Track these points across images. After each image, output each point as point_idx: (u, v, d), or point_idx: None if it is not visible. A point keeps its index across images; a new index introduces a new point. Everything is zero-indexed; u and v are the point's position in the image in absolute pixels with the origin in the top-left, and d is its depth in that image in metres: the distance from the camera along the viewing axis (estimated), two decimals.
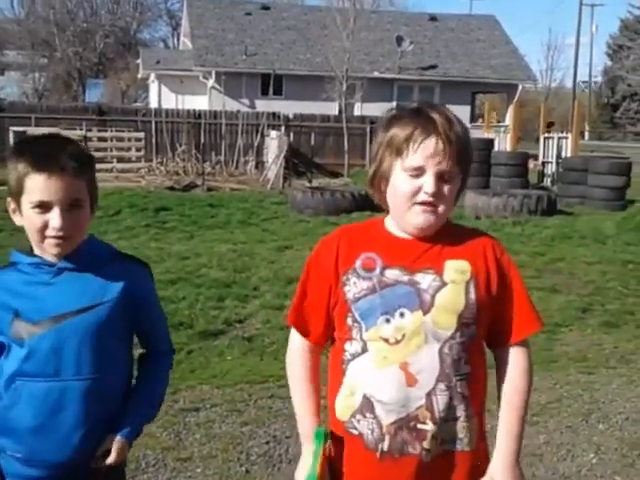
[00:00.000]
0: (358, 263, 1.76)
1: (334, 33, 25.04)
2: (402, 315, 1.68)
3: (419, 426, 1.70)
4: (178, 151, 20.26)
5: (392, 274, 1.74)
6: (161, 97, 28.04)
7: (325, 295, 1.80)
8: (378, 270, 1.73)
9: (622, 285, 7.71)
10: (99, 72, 44.94)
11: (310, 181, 18.15)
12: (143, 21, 50.62)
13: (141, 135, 17.94)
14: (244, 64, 27.27)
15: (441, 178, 1.70)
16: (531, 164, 17.12)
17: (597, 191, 13.82)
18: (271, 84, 27.12)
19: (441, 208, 1.73)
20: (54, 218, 1.74)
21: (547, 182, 17.52)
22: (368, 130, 21.11)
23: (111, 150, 17.45)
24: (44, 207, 1.74)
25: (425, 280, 1.72)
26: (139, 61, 31.27)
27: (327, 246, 1.83)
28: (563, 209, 13.14)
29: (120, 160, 17.26)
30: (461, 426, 1.73)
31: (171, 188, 16.32)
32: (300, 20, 30.27)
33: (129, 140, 17.95)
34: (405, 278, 1.73)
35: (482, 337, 1.79)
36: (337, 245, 1.80)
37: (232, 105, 24.56)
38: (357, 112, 25.38)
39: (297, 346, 1.89)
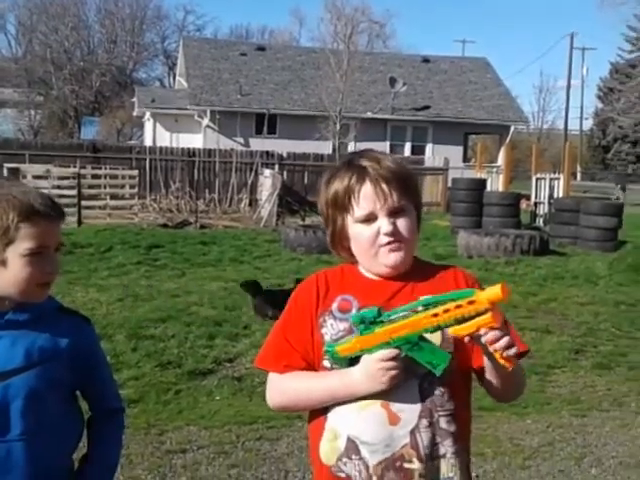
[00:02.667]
0: (334, 305, 1.77)
1: (328, 74, 25.36)
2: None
3: (405, 465, 1.67)
4: (172, 189, 20.30)
5: None
6: (156, 135, 28.18)
7: (307, 336, 1.78)
8: (354, 311, 1.74)
9: (614, 326, 7.68)
10: (95, 110, 45.20)
11: (303, 219, 18.19)
12: (139, 60, 51.20)
13: (135, 173, 17.95)
14: (239, 103, 27.51)
15: (394, 215, 1.74)
16: (523, 204, 17.20)
17: (589, 231, 13.85)
18: (265, 123, 27.32)
19: (406, 242, 1.76)
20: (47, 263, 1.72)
21: (539, 222, 17.57)
22: None
23: (105, 187, 17.46)
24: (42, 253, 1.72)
25: None
26: (134, 99, 31.50)
27: (307, 289, 1.83)
28: (555, 249, 13.15)
29: (113, 197, 17.26)
30: (449, 463, 1.70)
31: (164, 225, 16.31)
32: (295, 61, 30.63)
33: (123, 177, 17.95)
34: None
35: (464, 371, 1.78)
36: (317, 287, 1.82)
37: (226, 143, 24.69)
38: (351, 150, 25.53)
39: (277, 375, 1.82)
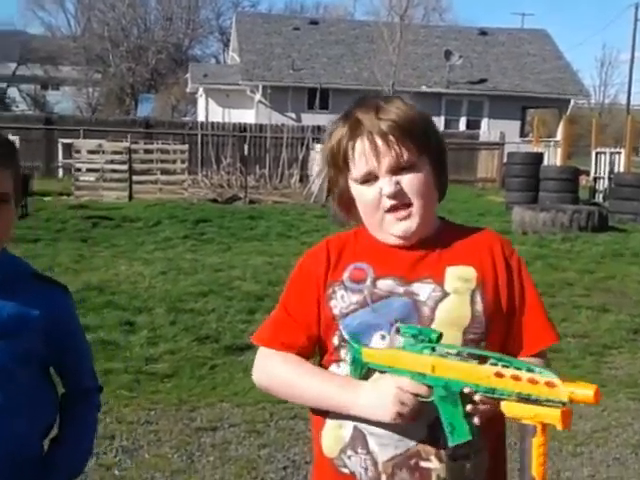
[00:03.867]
0: (346, 274, 1.51)
1: (381, 48, 24.92)
2: (398, 331, 1.40)
3: (422, 464, 1.41)
4: (223, 164, 20.27)
5: (385, 285, 1.48)
6: (208, 111, 28.20)
7: (312, 309, 1.53)
8: (369, 281, 1.48)
9: None
10: (151, 87, 45.52)
11: None
12: (195, 37, 51.25)
13: (185, 147, 17.95)
14: (291, 78, 27.27)
15: (398, 172, 1.46)
16: (582, 180, 16.59)
17: None
18: (317, 98, 27.04)
19: (416, 205, 1.47)
20: None
21: (599, 198, 16.95)
22: None
23: (156, 162, 17.49)
24: None
25: (423, 291, 1.46)
26: (188, 75, 31.57)
27: (315, 255, 1.58)
28: (615, 225, 12.61)
29: (164, 172, 17.28)
30: (476, 465, 1.44)
31: (214, 200, 16.29)
32: (348, 35, 30.17)
33: (174, 152, 17.97)
34: (400, 289, 1.47)
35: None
36: (327, 254, 1.56)
37: (278, 119, 24.53)
38: None
39: (270, 353, 1.56)
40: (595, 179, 17.54)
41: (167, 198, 15.95)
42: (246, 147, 20.24)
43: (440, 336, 1.34)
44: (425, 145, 1.49)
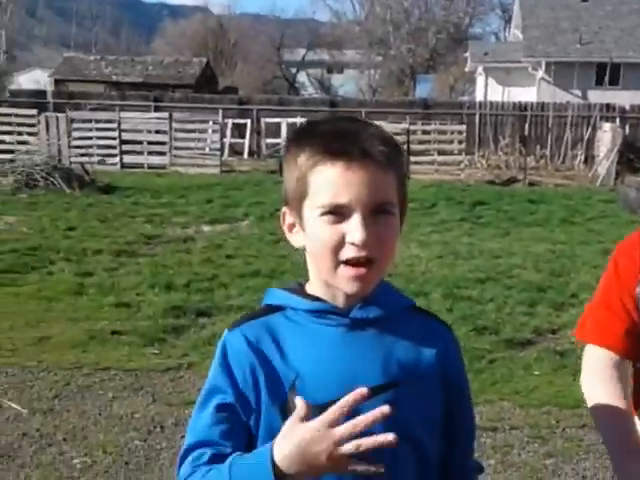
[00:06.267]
0: None
1: None
2: None
3: None
4: (501, 144, 19.66)
5: None
6: (487, 90, 27.57)
7: (630, 306, 1.42)
8: None
9: None
10: (429, 68, 45.71)
11: None
12: (475, 15, 50.43)
13: (463, 128, 17.70)
14: (577, 53, 25.64)
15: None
16: None
17: None
18: (607, 73, 25.13)
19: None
20: (354, 229, 1.10)
21: None
22: None
23: (433, 143, 17.47)
24: (339, 214, 1.11)
25: None
26: (467, 54, 31.12)
27: (627, 250, 1.50)
28: None
29: (441, 153, 17.21)
30: None
31: (491, 182, 15.88)
32: None
33: (451, 133, 17.82)
34: None
35: None
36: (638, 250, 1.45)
37: (561, 96, 23.19)
38: None
39: (595, 359, 1.50)
40: None
41: (443, 179, 15.87)
42: (527, 126, 19.40)
43: None
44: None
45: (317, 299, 1.16)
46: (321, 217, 1.10)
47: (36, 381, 4.32)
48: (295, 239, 1.18)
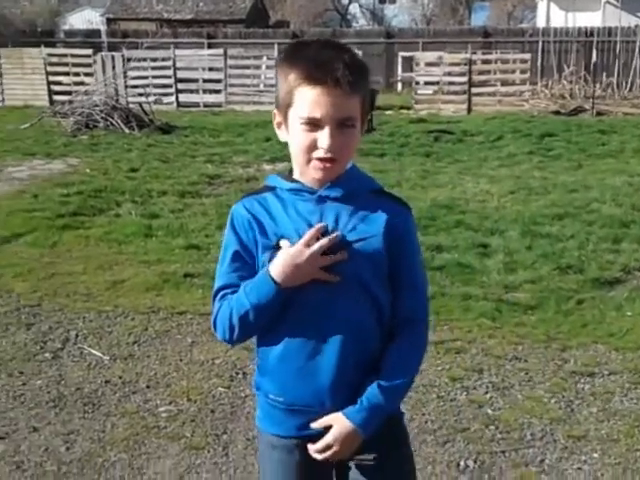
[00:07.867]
0: None
1: None
2: None
3: None
4: (565, 73, 18.89)
5: None
6: (549, 16, 26.35)
7: None
8: None
9: None
10: None
11: None
12: None
13: (527, 57, 17.01)
14: None
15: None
16: None
17: None
18: None
19: None
20: (323, 137, 1.51)
21: None
22: None
23: (495, 73, 16.84)
24: (313, 124, 1.51)
25: None
26: None
27: None
28: None
29: (504, 83, 16.60)
30: None
31: (556, 112, 15.30)
32: None
33: (514, 62, 17.15)
34: None
35: None
36: None
37: (630, 21, 22.01)
38: None
39: None
40: None
41: (506, 110, 15.33)
42: (594, 53, 18.53)
43: None
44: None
45: (297, 182, 1.59)
46: (301, 125, 1.52)
47: (114, 326, 4.28)
48: (281, 135, 1.61)
